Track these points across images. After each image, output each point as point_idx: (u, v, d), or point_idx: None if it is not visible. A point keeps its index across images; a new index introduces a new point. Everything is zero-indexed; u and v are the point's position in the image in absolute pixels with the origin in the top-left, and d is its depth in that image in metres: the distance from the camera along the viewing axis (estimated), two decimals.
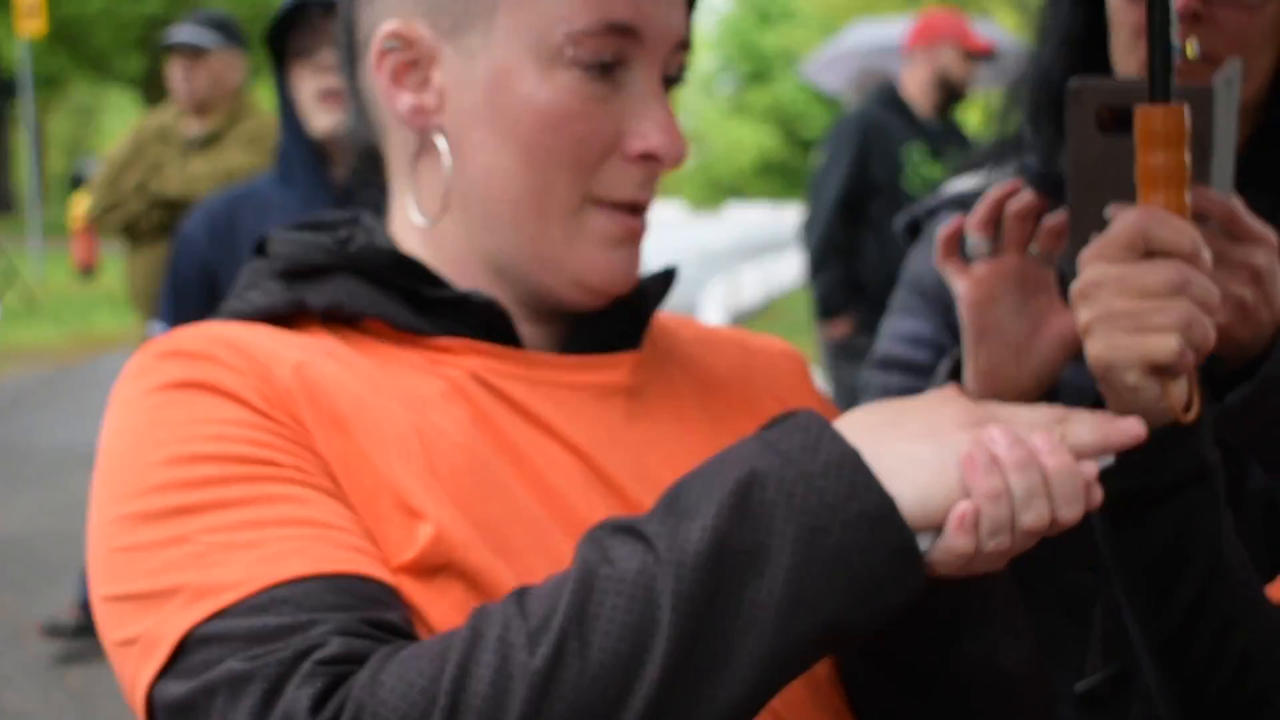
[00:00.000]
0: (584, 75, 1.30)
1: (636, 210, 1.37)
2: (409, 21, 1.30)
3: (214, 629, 1.11)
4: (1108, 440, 1.18)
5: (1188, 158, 1.31)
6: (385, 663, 1.09)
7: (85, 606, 5.89)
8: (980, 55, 7.37)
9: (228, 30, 6.30)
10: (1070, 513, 1.14)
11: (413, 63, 1.31)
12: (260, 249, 1.37)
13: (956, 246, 1.63)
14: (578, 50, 1.29)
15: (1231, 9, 1.74)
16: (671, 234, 39.19)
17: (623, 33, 1.29)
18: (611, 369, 1.37)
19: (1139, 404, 1.27)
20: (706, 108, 76.05)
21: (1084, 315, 1.28)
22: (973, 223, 1.58)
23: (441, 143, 1.31)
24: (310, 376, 1.24)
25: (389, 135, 1.37)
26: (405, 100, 1.32)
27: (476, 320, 1.31)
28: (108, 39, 36.57)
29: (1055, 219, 1.57)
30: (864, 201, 7.29)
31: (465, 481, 1.22)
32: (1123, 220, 1.28)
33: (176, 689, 1.11)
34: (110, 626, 1.20)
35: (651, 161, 1.33)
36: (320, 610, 1.12)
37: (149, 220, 6.22)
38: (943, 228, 1.63)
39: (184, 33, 6.25)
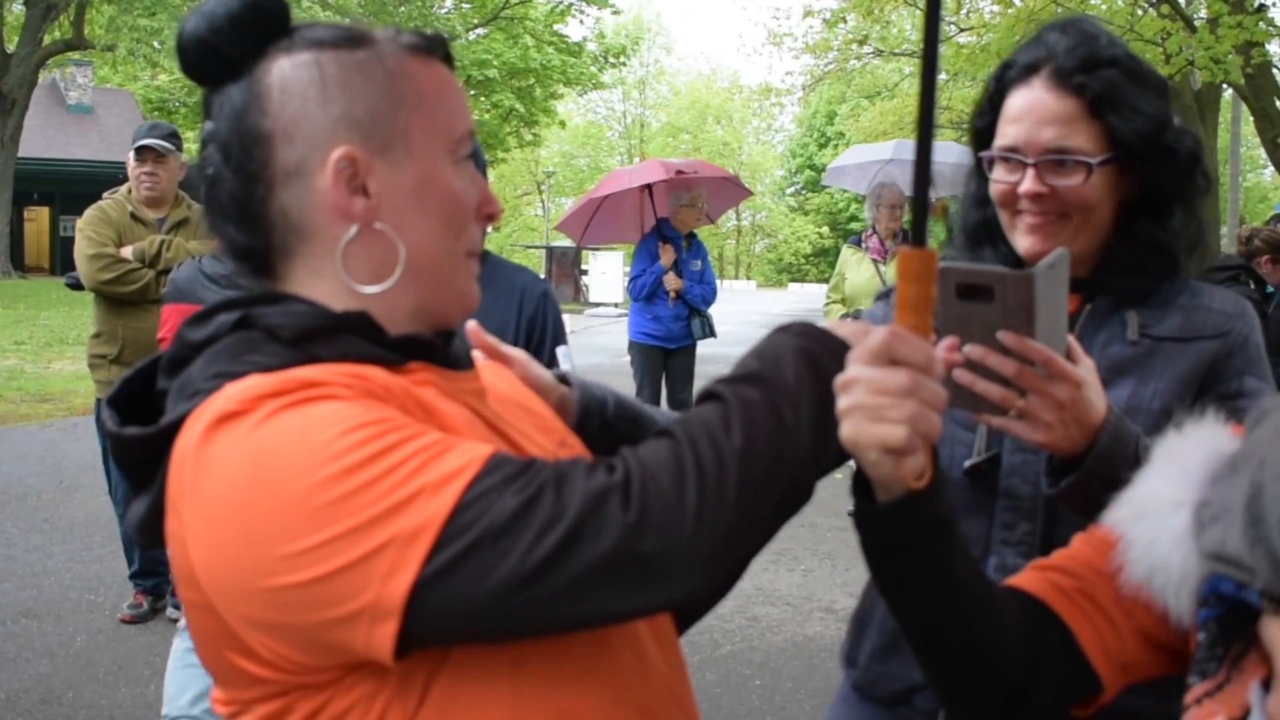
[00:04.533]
0: (464, 165, 1.33)
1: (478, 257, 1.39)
2: (350, 146, 1.26)
3: (472, 495, 1.07)
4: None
5: (933, 291, 1.23)
6: (626, 453, 1.16)
7: None
8: None
9: (177, 139, 6.22)
10: None
11: (355, 174, 1.26)
12: (240, 324, 1.25)
13: None
14: (463, 149, 1.33)
15: (1066, 186, 1.78)
16: (744, 304, 39.74)
17: (471, 136, 1.35)
18: (478, 378, 1.39)
19: (879, 475, 1.22)
20: (776, 207, 76.30)
21: (841, 403, 1.20)
22: None
23: (389, 229, 1.28)
24: (391, 382, 1.21)
25: (315, 233, 1.28)
26: (359, 203, 1.27)
27: (423, 351, 1.31)
28: None
29: None
30: None
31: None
32: (878, 333, 1.20)
33: (457, 547, 1.05)
34: (304, 570, 1.06)
35: (491, 218, 1.37)
36: (525, 462, 1.13)
37: (156, 288, 5.88)
38: None
39: (149, 139, 6.10)
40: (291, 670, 1.13)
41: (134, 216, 6.09)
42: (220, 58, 1.29)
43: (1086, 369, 1.56)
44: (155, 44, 29.04)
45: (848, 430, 1.19)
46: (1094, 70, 1.79)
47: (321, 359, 1.21)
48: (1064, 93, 1.79)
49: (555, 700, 1.19)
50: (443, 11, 36.59)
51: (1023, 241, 1.85)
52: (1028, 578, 1.41)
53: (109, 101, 43.28)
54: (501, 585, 1.06)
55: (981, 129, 1.92)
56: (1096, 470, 1.57)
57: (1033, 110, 1.80)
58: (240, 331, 1.24)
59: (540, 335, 3.27)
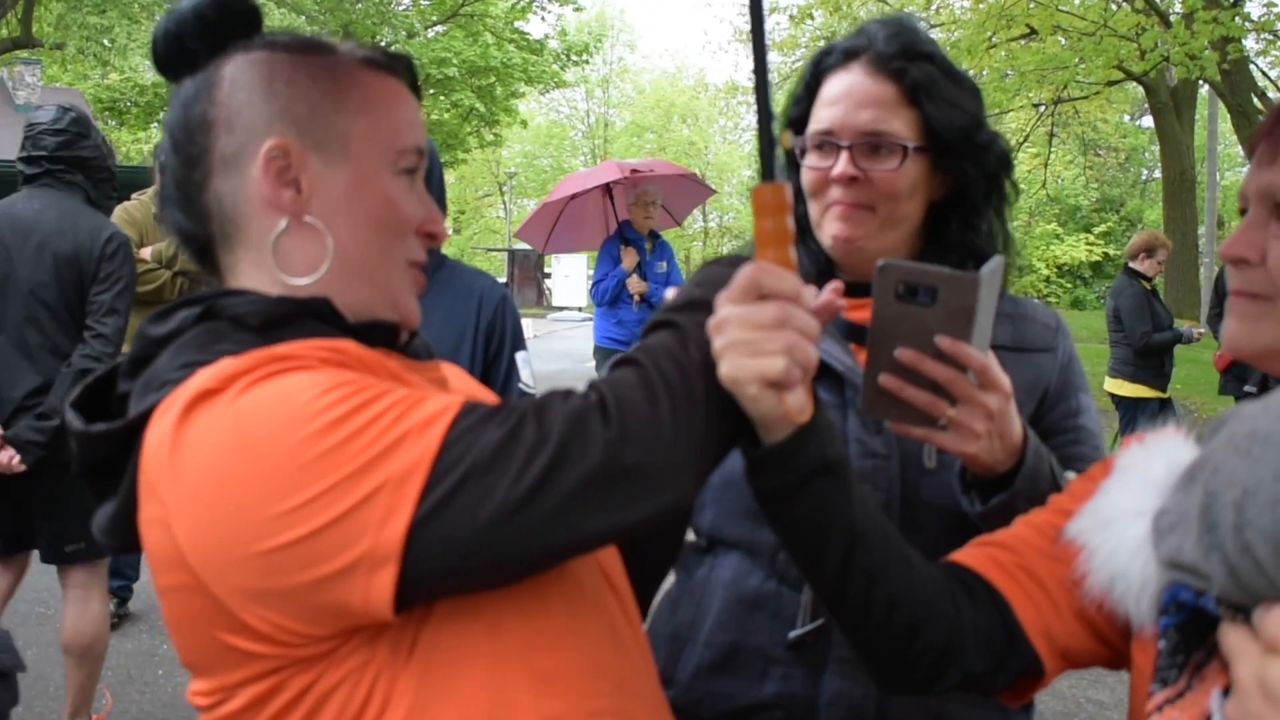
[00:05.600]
0: (407, 178, 1.38)
1: (421, 269, 1.43)
2: (285, 138, 1.31)
3: (456, 432, 1.11)
4: None
5: (790, 224, 1.27)
6: (596, 380, 1.22)
7: None
8: None
9: None
10: None
11: (287, 167, 1.31)
12: (204, 316, 1.29)
13: None
14: (405, 162, 1.37)
15: (879, 171, 1.78)
16: None
17: (419, 153, 1.39)
18: (439, 369, 1.46)
19: (761, 411, 1.24)
20: (744, 209, 76.19)
21: (716, 344, 1.23)
22: None
23: (319, 224, 1.32)
24: (364, 353, 1.26)
25: (248, 222, 1.33)
26: (287, 195, 1.31)
27: (385, 337, 1.37)
28: None
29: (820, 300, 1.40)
30: None
31: None
32: (743, 271, 1.24)
33: (449, 483, 1.09)
34: (297, 526, 1.08)
35: (433, 238, 1.42)
36: (499, 404, 1.18)
37: (173, 288, 6.05)
38: None
39: None
40: (288, 643, 1.14)
41: (157, 218, 6.06)
42: (184, 51, 1.35)
43: (1006, 382, 1.53)
44: (105, 42, 28.68)
45: (726, 369, 1.23)
46: (913, 59, 1.80)
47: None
48: (883, 77, 1.80)
49: (534, 664, 1.22)
50: (401, 8, 36.44)
51: (831, 227, 1.84)
52: (965, 553, 1.42)
53: (58, 101, 42.85)
54: (496, 514, 1.09)
55: (796, 117, 1.91)
56: (1023, 489, 1.57)
57: (850, 93, 1.81)
58: (206, 323, 1.28)
59: (499, 340, 3.27)
